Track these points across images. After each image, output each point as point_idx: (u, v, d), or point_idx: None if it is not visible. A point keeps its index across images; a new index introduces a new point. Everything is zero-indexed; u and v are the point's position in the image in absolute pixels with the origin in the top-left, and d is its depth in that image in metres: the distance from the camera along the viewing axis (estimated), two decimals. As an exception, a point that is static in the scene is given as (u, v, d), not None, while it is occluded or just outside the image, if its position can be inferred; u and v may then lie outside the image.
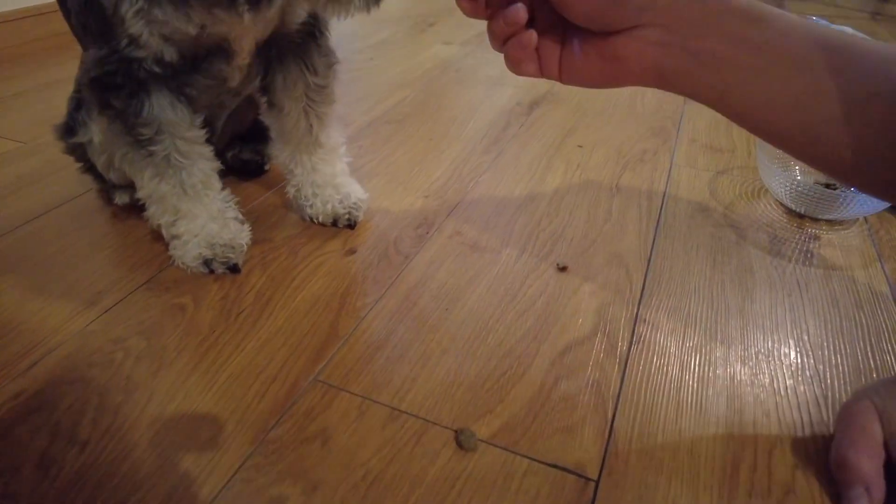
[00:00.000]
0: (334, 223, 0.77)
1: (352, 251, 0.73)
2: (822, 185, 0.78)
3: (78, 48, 0.67)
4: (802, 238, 0.75)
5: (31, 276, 0.70)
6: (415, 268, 0.70)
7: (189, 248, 0.69)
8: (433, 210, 0.81)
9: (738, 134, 1.02)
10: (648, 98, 1.16)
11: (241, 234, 0.71)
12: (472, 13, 0.43)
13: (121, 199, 0.79)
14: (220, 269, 0.69)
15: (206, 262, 0.69)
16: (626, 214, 0.79)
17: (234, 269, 0.69)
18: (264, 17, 0.61)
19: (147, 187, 0.67)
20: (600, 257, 0.71)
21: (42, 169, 0.91)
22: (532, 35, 0.42)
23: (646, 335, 0.60)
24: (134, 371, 0.57)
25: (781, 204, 0.82)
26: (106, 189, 0.81)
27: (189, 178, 0.67)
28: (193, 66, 0.64)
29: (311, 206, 0.77)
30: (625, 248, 0.73)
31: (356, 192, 0.78)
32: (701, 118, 1.08)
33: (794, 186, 0.78)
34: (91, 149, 0.74)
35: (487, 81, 1.27)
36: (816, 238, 0.76)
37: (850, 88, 0.35)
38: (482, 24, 0.44)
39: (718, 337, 0.60)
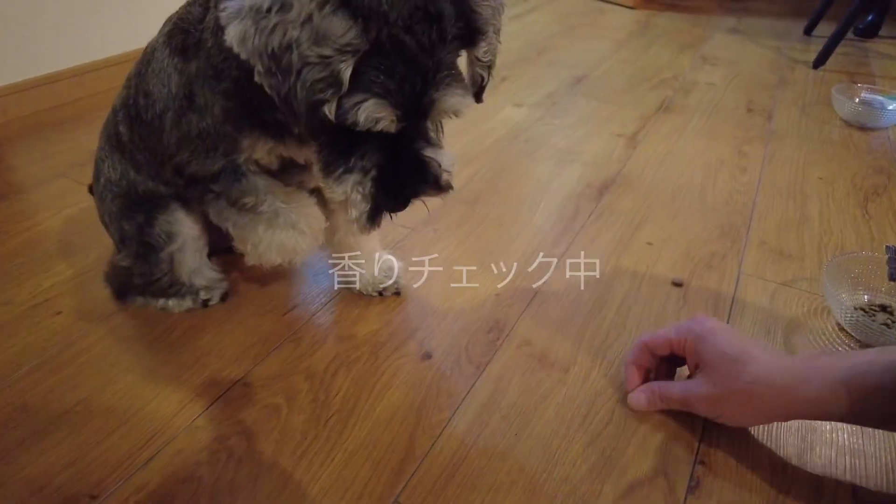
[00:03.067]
0: (381, 293, 0.88)
1: (427, 355, 0.79)
2: (882, 323, 0.79)
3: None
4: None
5: (143, 359, 0.79)
6: (486, 381, 0.75)
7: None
8: (504, 311, 0.86)
9: (809, 238, 1.02)
10: (719, 187, 1.17)
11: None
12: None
13: (181, 305, 0.87)
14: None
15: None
16: (692, 332, 0.82)
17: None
18: None
19: (264, 239, 0.75)
20: (664, 384, 0.74)
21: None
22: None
23: (704, 479, 0.63)
24: (237, 474, 0.64)
25: (843, 329, 0.82)
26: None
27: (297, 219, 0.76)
28: (281, 169, 0.76)
29: (360, 279, 0.87)
30: (687, 371, 0.76)
31: (395, 263, 0.89)
32: (771, 215, 1.08)
33: (853, 315, 0.79)
34: (180, 255, 0.82)
35: (556, 155, 1.31)
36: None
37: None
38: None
39: (776, 485, 0.62)
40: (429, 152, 0.57)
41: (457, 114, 0.57)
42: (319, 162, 0.60)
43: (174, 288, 0.85)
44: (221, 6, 0.52)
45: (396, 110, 0.52)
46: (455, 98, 0.55)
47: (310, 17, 0.47)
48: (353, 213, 0.58)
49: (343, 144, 0.57)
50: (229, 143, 0.69)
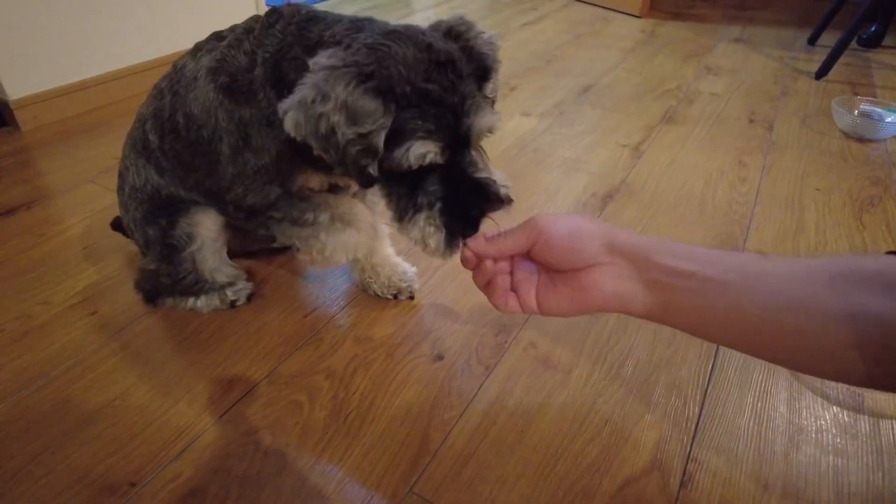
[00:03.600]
0: (396, 296, 0.94)
1: (440, 357, 0.84)
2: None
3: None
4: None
5: (174, 358, 0.85)
6: (494, 381, 0.80)
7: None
8: (511, 316, 0.91)
9: (805, 247, 1.07)
10: (719, 197, 1.22)
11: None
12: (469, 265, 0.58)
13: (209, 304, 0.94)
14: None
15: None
16: (689, 340, 0.87)
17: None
18: None
19: (328, 244, 0.82)
20: (662, 386, 0.79)
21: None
22: (506, 279, 0.57)
23: (696, 475, 0.68)
24: (264, 466, 0.70)
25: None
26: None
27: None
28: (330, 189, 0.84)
29: (375, 283, 0.94)
30: (684, 376, 0.81)
31: (408, 269, 0.96)
32: (768, 224, 1.13)
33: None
34: (200, 254, 0.89)
35: (564, 165, 1.36)
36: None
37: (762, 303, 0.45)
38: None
39: (762, 482, 0.67)
40: (482, 174, 0.63)
41: (492, 130, 0.64)
42: (392, 212, 0.67)
43: (199, 285, 0.91)
44: (280, 106, 0.61)
45: (439, 142, 0.59)
46: (487, 118, 0.62)
47: (344, 104, 0.57)
48: (431, 244, 0.63)
49: (407, 190, 0.64)
50: (285, 178, 0.77)
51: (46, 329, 0.90)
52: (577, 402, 0.77)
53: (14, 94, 1.52)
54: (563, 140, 1.48)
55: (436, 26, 0.66)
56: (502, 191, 0.63)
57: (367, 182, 0.63)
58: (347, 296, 0.96)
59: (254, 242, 1.03)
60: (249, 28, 0.74)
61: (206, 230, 0.88)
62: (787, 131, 1.52)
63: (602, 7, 2.69)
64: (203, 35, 0.82)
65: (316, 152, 0.62)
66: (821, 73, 1.86)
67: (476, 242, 0.57)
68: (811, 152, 1.41)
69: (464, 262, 0.58)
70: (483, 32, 0.66)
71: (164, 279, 0.90)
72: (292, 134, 0.61)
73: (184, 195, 0.87)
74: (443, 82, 0.59)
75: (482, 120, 0.61)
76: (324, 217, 0.81)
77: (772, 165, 1.35)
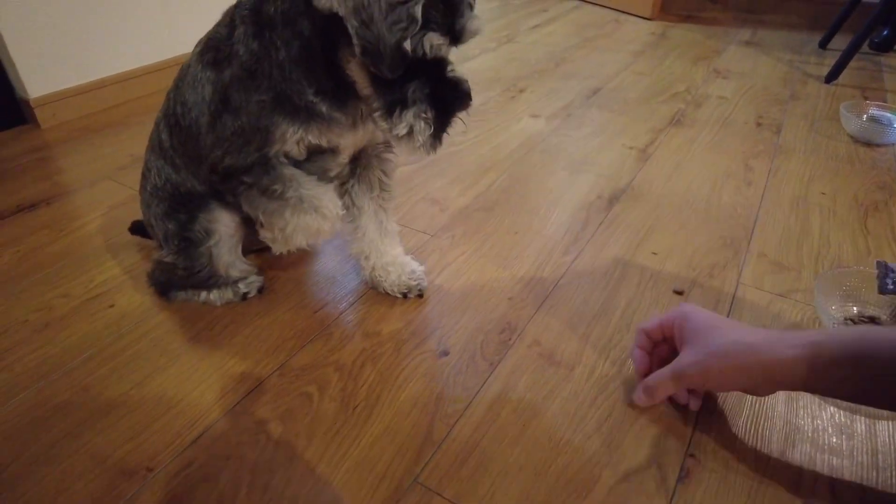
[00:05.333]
0: (405, 295, 0.97)
1: (445, 352, 0.87)
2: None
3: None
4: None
5: (188, 350, 0.88)
6: (498, 376, 0.82)
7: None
8: (516, 313, 0.93)
9: (808, 251, 1.08)
10: (724, 200, 1.23)
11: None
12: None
13: (223, 296, 0.96)
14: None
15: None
16: (690, 337, 0.89)
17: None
18: (365, 132, 0.84)
19: (290, 222, 0.82)
20: (662, 384, 0.81)
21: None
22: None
23: (693, 471, 0.70)
24: (275, 455, 0.72)
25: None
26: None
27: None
28: (308, 158, 0.83)
29: (386, 281, 0.96)
30: (685, 375, 0.82)
31: (417, 267, 0.99)
32: (773, 228, 1.14)
33: (841, 326, 0.85)
34: (217, 249, 0.91)
35: (570, 166, 1.38)
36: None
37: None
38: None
39: (758, 479, 0.69)
40: (457, 73, 0.69)
41: (477, 34, 0.68)
42: (379, 109, 0.71)
43: (213, 279, 0.94)
44: None
45: (446, 36, 0.64)
46: (476, 21, 0.67)
47: None
48: (419, 139, 0.69)
49: (394, 86, 0.68)
50: (262, 137, 0.77)
51: (66, 321, 0.93)
52: (580, 398, 0.79)
53: (34, 92, 1.57)
54: (571, 142, 1.50)
55: None
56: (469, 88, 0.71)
57: (397, 65, 0.64)
58: (356, 292, 0.99)
59: (259, 241, 1.06)
60: (236, 4, 0.77)
61: (224, 226, 0.91)
62: (794, 135, 1.52)
63: (612, 9, 2.70)
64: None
65: (354, 37, 0.63)
66: (831, 77, 1.86)
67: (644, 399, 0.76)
68: (818, 156, 1.42)
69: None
70: None
71: (180, 272, 0.93)
72: (335, 8, 0.63)
73: (200, 189, 0.90)
74: None
75: (473, 23, 0.66)
76: (292, 193, 0.80)
77: (778, 169, 1.36)
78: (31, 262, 1.07)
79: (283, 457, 0.72)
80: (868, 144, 1.47)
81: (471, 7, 0.67)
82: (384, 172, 0.95)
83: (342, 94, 0.75)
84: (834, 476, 0.70)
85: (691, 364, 0.70)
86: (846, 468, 0.70)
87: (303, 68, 0.73)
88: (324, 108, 0.75)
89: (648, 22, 2.53)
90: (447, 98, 0.69)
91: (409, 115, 0.69)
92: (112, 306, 0.97)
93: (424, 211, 1.21)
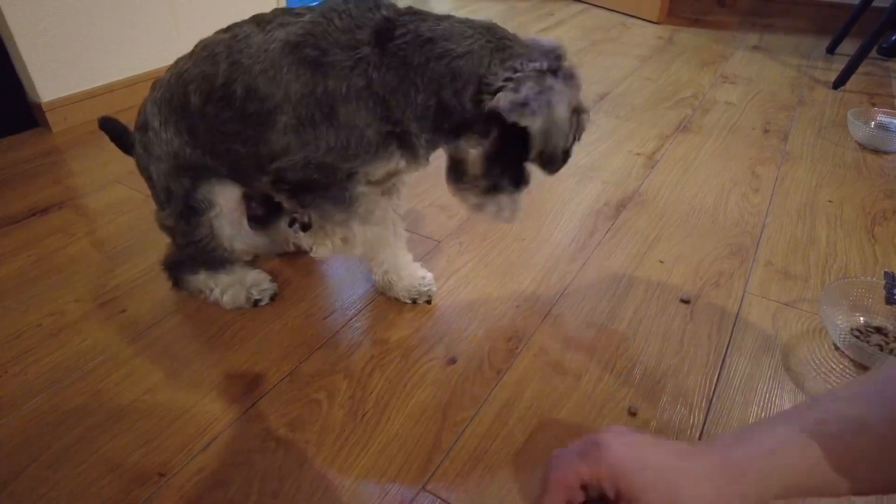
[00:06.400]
0: (414, 300, 0.98)
1: (453, 360, 0.87)
2: (876, 344, 0.85)
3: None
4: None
5: (200, 356, 0.89)
6: (505, 385, 0.83)
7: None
8: (523, 321, 0.94)
9: (815, 260, 1.08)
10: (731, 208, 1.24)
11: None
12: None
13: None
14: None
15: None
16: (696, 349, 0.89)
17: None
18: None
19: (359, 233, 0.87)
20: (668, 395, 0.82)
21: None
22: None
23: (701, 481, 0.70)
24: (285, 461, 0.73)
25: (838, 349, 0.89)
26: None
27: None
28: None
29: (397, 286, 0.98)
30: (690, 385, 0.83)
31: (427, 274, 1.01)
32: (780, 236, 1.15)
33: (847, 337, 0.85)
34: (218, 221, 0.91)
35: (578, 172, 1.38)
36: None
37: None
38: None
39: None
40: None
41: None
42: (478, 188, 0.82)
43: (218, 253, 0.93)
44: (497, 97, 0.73)
45: None
46: None
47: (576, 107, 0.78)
48: (506, 214, 0.83)
49: (495, 173, 0.81)
50: (365, 160, 0.79)
51: (79, 326, 0.95)
52: (586, 407, 0.80)
53: (46, 96, 1.58)
54: (578, 148, 1.49)
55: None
56: None
57: (562, 164, 0.80)
58: (365, 299, 1.00)
59: (282, 245, 1.10)
60: (334, 8, 0.76)
61: (224, 200, 0.90)
62: (801, 142, 1.53)
63: (619, 13, 2.70)
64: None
65: (535, 150, 0.75)
66: (838, 83, 1.86)
67: None
68: (825, 163, 1.42)
69: None
70: None
71: (180, 240, 0.92)
72: (531, 131, 0.72)
73: (209, 163, 0.87)
74: None
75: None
76: (362, 207, 0.84)
77: (785, 176, 1.36)
78: (44, 265, 1.09)
79: (292, 464, 0.73)
80: (876, 152, 1.47)
81: None
82: (402, 181, 0.96)
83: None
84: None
85: None
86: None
87: (431, 119, 0.77)
88: (422, 151, 0.81)
89: (655, 26, 2.53)
90: (521, 181, 0.83)
91: (502, 199, 0.82)
92: (124, 311, 0.98)
93: (433, 217, 1.21)
